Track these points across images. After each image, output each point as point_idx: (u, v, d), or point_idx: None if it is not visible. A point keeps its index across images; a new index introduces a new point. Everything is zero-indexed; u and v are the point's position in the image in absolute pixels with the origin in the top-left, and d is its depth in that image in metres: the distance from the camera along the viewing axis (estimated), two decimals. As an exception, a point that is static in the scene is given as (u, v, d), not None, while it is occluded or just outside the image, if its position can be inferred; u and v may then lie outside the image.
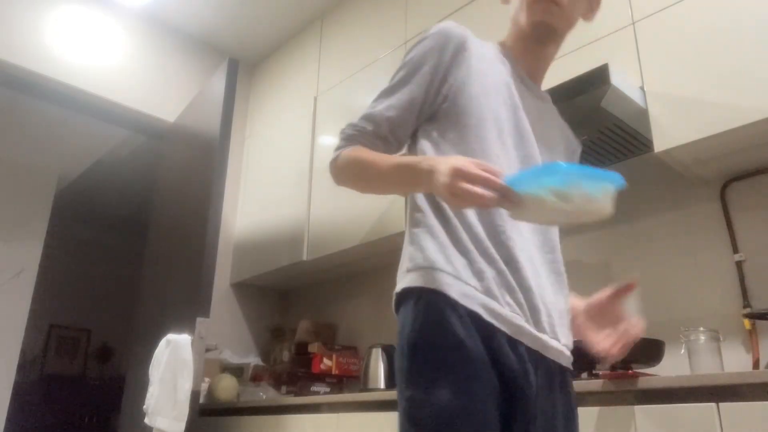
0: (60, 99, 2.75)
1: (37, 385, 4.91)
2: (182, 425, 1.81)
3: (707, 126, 1.45)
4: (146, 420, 1.94)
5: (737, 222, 1.66)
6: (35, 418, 4.69)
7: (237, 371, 2.58)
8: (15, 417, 3.65)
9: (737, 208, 1.67)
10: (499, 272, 0.85)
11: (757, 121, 1.37)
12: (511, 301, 0.85)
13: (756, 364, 1.50)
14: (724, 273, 1.64)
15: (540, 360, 0.87)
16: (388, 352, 2.13)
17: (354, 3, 2.78)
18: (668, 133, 1.52)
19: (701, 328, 1.50)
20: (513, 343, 0.84)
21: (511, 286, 0.86)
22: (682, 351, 1.50)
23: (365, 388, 2.11)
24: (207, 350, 2.02)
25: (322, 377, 2.36)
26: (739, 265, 1.62)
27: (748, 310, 1.55)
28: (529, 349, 0.85)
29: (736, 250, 1.63)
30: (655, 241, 1.80)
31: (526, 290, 0.87)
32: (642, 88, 1.59)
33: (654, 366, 1.50)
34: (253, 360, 2.78)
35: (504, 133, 0.93)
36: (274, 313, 3.09)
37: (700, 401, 1.12)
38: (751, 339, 1.54)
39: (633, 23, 1.67)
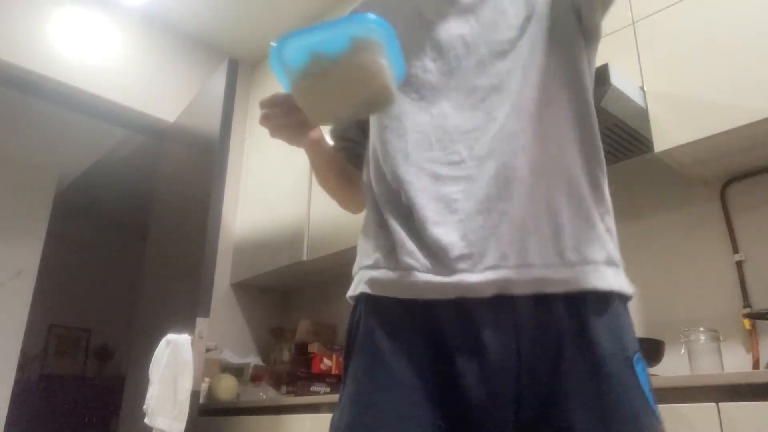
0: (60, 99, 2.75)
1: (37, 385, 4.90)
2: (182, 425, 1.81)
3: (707, 126, 1.45)
4: (146, 420, 1.94)
5: (737, 222, 1.66)
6: (35, 418, 4.68)
7: (237, 371, 2.58)
8: (15, 417, 3.65)
9: (737, 208, 1.67)
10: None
11: (757, 121, 1.37)
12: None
13: (756, 364, 1.50)
14: (724, 273, 1.64)
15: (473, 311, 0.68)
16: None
17: (354, 3, 2.78)
18: (668, 133, 1.52)
19: (701, 328, 1.50)
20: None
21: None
22: (682, 351, 1.50)
23: (365, 388, 2.11)
24: (207, 350, 2.02)
25: (322, 377, 2.36)
26: (739, 265, 1.62)
27: (748, 310, 1.55)
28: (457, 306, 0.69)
29: (736, 250, 1.63)
30: (655, 241, 1.80)
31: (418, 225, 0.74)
32: (642, 88, 1.59)
33: (654, 366, 1.50)
34: (253, 360, 2.78)
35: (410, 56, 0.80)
36: (274, 313, 3.09)
37: (700, 401, 1.12)
38: (751, 339, 1.54)
39: (633, 23, 1.67)
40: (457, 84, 0.77)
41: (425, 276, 0.71)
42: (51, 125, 3.54)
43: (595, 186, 0.76)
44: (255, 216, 2.93)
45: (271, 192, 2.86)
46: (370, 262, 0.78)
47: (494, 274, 0.68)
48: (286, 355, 2.64)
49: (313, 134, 0.97)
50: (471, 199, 0.71)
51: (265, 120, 0.87)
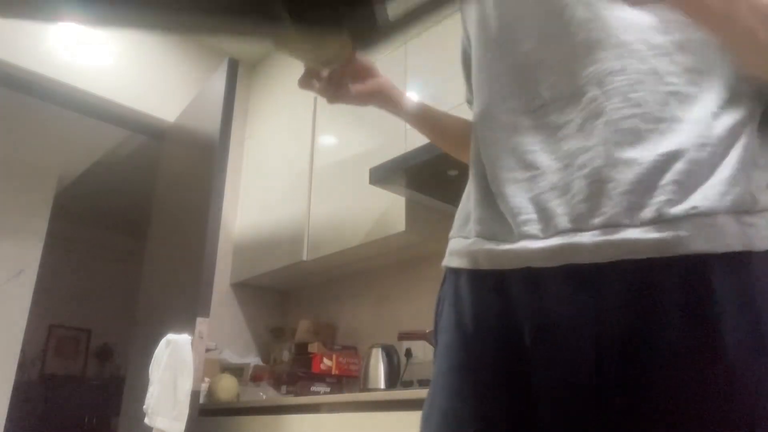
0: (60, 99, 2.75)
1: (37, 385, 4.90)
2: (182, 425, 1.81)
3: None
4: (146, 420, 1.94)
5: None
6: (35, 418, 4.68)
7: (237, 371, 2.58)
8: (15, 417, 3.65)
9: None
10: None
11: (757, 121, 1.37)
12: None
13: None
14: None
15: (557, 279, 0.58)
16: (388, 352, 2.13)
17: None
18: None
19: None
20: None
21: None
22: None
23: (365, 388, 2.11)
24: (207, 350, 2.02)
25: (322, 377, 2.36)
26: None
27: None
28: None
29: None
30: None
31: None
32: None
33: None
34: (253, 360, 2.78)
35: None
36: (274, 313, 3.09)
37: None
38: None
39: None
40: None
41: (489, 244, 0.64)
42: (51, 125, 3.54)
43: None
44: (255, 216, 2.93)
45: (271, 192, 2.86)
46: (452, 230, 0.73)
47: (562, 239, 0.58)
48: (286, 355, 2.64)
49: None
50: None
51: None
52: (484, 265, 0.65)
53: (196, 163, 2.41)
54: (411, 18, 0.56)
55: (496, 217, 0.65)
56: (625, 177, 0.56)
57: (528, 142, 0.64)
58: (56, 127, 3.55)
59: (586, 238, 0.57)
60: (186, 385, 1.86)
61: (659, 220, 0.54)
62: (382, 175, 2.06)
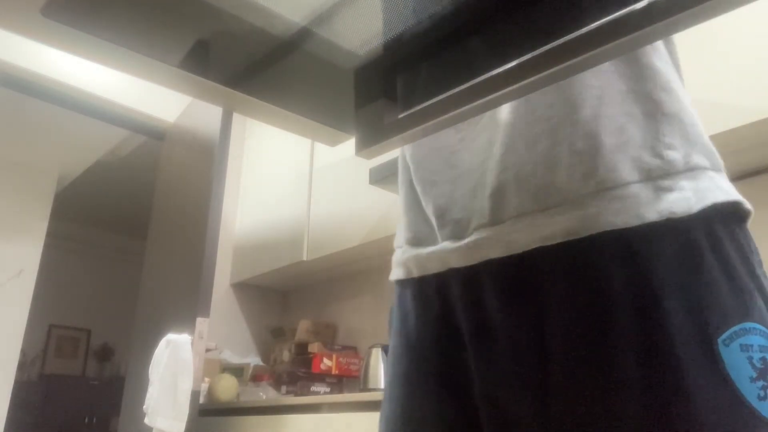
0: (60, 99, 2.75)
1: (37, 385, 4.90)
2: (182, 425, 1.81)
3: (707, 126, 1.44)
4: (146, 420, 1.94)
5: (737, 222, 1.66)
6: (35, 418, 4.68)
7: (237, 371, 2.58)
8: (15, 417, 3.65)
9: (737, 208, 1.67)
10: None
11: (757, 121, 1.37)
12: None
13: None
14: (724, 273, 1.64)
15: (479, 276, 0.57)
16: (388, 352, 2.13)
17: (354, 3, 2.78)
18: (668, 133, 1.51)
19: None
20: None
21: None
22: None
23: (365, 388, 2.11)
24: (207, 350, 2.02)
25: (322, 377, 2.35)
26: (739, 265, 1.61)
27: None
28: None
29: (736, 250, 1.63)
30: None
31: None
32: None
33: None
34: (253, 360, 2.77)
35: None
36: (274, 313, 3.09)
37: None
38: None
39: (633, 23, 1.67)
40: None
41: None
42: (51, 125, 3.54)
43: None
44: (255, 216, 2.93)
45: (271, 192, 2.86)
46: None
47: (477, 236, 0.57)
48: (286, 355, 2.64)
49: None
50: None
51: None
52: (415, 273, 0.64)
53: (196, 163, 2.41)
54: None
55: (422, 222, 0.65)
56: (525, 160, 0.54)
57: (451, 142, 0.63)
58: (56, 127, 3.55)
59: (498, 230, 0.55)
60: (186, 385, 1.86)
61: (565, 202, 0.52)
62: (382, 175, 2.06)
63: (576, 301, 0.50)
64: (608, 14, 0.36)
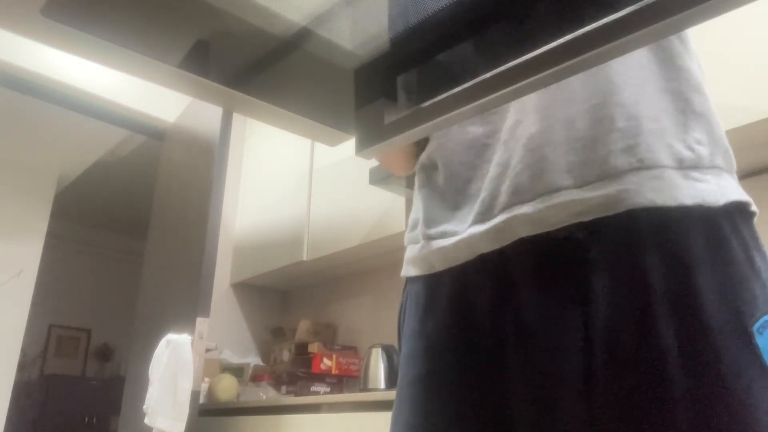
0: (60, 99, 2.75)
1: (37, 385, 4.91)
2: (182, 425, 1.81)
3: (707, 126, 1.45)
4: (146, 420, 1.94)
5: (737, 222, 1.66)
6: (35, 418, 4.69)
7: (237, 371, 2.58)
8: (15, 417, 3.65)
9: (737, 208, 1.67)
10: None
11: (757, 121, 1.37)
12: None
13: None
14: (724, 273, 1.64)
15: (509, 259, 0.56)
16: (388, 352, 2.13)
17: (354, 3, 2.78)
18: (668, 133, 1.51)
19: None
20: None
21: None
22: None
23: (365, 388, 2.11)
24: (207, 350, 2.02)
25: (322, 377, 2.36)
26: (739, 265, 1.61)
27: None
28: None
29: (736, 250, 1.63)
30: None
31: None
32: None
33: None
34: (253, 360, 2.78)
35: None
36: (274, 313, 3.09)
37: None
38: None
39: (633, 23, 1.67)
40: None
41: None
42: (51, 125, 3.54)
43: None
44: (255, 216, 2.93)
45: (271, 192, 2.86)
46: (405, 239, 0.73)
47: (505, 215, 0.56)
48: (286, 355, 2.64)
49: None
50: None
51: None
52: (438, 267, 0.63)
53: (196, 163, 2.41)
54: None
55: (445, 214, 0.64)
56: (560, 138, 0.55)
57: (481, 133, 0.62)
58: (56, 127, 3.55)
59: (529, 207, 0.54)
60: (186, 385, 1.86)
61: (604, 177, 0.52)
62: (382, 175, 2.06)
63: (616, 293, 0.49)
64: (607, 13, 0.36)
